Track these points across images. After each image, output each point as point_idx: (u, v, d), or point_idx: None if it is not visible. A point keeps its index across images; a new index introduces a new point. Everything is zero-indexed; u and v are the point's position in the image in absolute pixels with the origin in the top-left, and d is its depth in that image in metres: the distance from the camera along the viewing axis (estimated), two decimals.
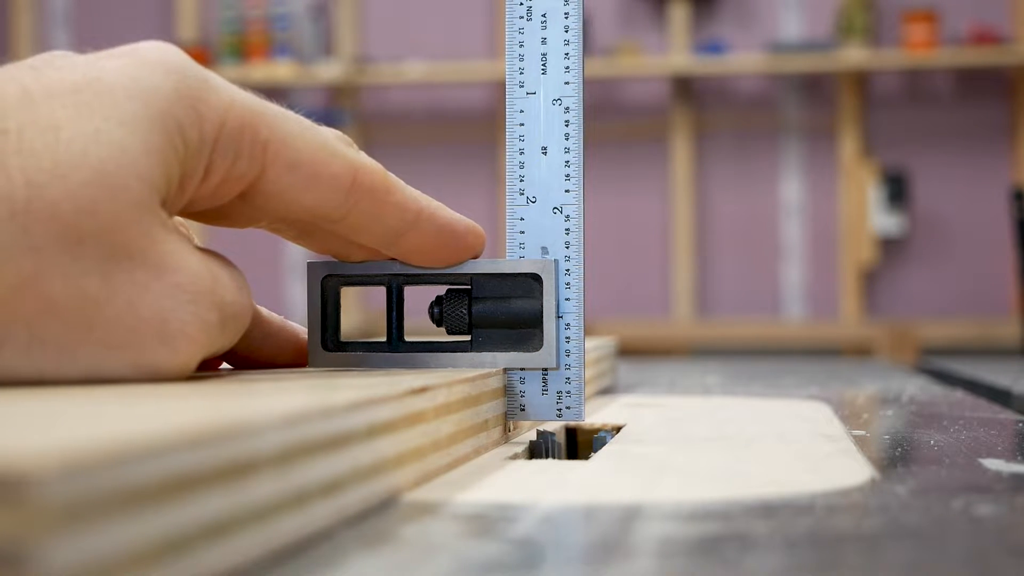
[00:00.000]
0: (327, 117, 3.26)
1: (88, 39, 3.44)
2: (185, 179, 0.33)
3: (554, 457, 0.42)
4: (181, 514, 0.20)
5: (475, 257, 0.40)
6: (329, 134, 0.37)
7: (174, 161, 0.33)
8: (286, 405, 0.25)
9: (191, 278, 0.33)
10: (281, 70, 3.23)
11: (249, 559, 0.22)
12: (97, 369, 0.32)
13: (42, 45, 3.41)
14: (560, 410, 0.40)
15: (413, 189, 0.39)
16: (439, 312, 0.40)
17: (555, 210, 0.40)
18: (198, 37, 3.33)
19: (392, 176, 0.38)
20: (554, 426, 0.45)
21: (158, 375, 0.33)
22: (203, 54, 3.25)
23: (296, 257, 3.27)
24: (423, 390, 0.32)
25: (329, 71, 3.22)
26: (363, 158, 0.37)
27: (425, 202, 0.39)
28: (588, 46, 3.17)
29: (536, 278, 0.40)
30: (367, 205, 0.37)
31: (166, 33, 3.34)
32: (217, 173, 0.34)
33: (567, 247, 0.40)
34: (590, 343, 0.66)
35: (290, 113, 0.36)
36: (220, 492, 0.21)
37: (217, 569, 0.21)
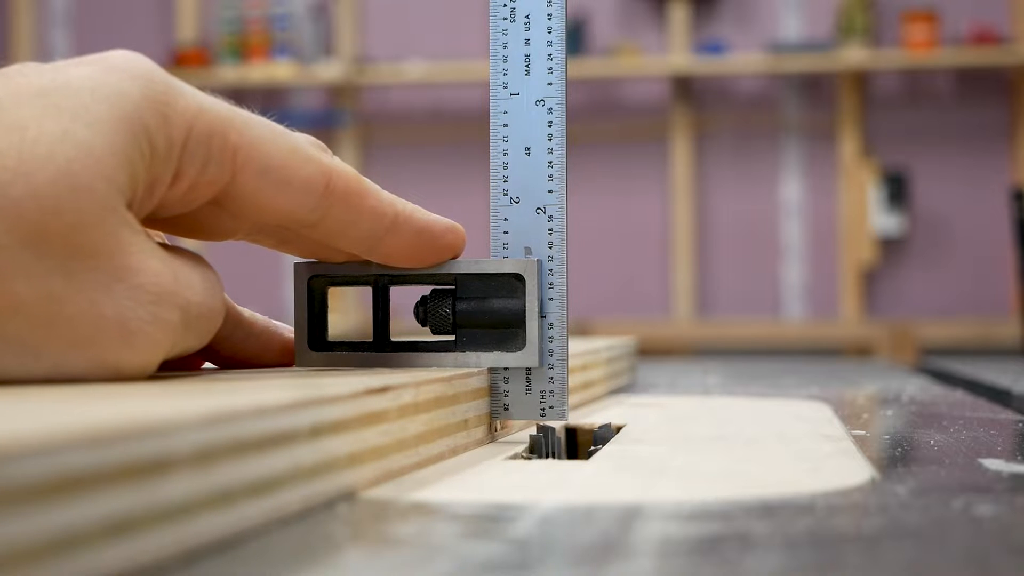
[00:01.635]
0: (327, 117, 3.26)
1: (88, 39, 3.44)
2: (154, 184, 0.34)
3: (554, 451, 0.42)
4: (74, 512, 0.20)
5: (457, 255, 0.40)
6: (302, 139, 0.37)
7: (140, 164, 0.33)
8: (210, 405, 0.25)
9: (153, 279, 0.33)
10: (281, 70, 3.23)
11: (164, 556, 0.22)
12: (60, 368, 0.32)
13: (42, 45, 3.41)
14: (543, 409, 0.41)
15: (389, 193, 0.39)
16: (423, 312, 0.41)
17: (538, 210, 0.40)
18: (198, 37, 3.33)
19: (367, 181, 0.38)
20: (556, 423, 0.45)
21: (120, 374, 0.33)
22: (203, 54, 3.25)
23: (295, 259, 3.26)
24: (384, 390, 0.32)
25: (329, 71, 3.22)
26: (336, 163, 0.37)
27: (401, 206, 0.39)
28: (587, 46, 3.17)
29: (519, 278, 0.40)
30: (341, 210, 0.37)
31: (166, 33, 3.34)
32: (186, 178, 0.34)
33: (550, 247, 0.40)
34: (603, 342, 0.66)
35: (261, 118, 0.36)
36: (122, 490, 0.21)
37: (124, 566, 0.21)
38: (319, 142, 0.38)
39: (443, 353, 0.41)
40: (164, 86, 0.33)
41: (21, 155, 0.31)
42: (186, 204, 0.35)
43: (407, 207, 0.39)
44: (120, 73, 0.33)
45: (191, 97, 0.34)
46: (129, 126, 0.32)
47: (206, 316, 0.35)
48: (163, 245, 0.35)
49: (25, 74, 0.33)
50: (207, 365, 0.43)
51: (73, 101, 0.32)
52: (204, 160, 0.34)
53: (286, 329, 0.43)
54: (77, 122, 0.32)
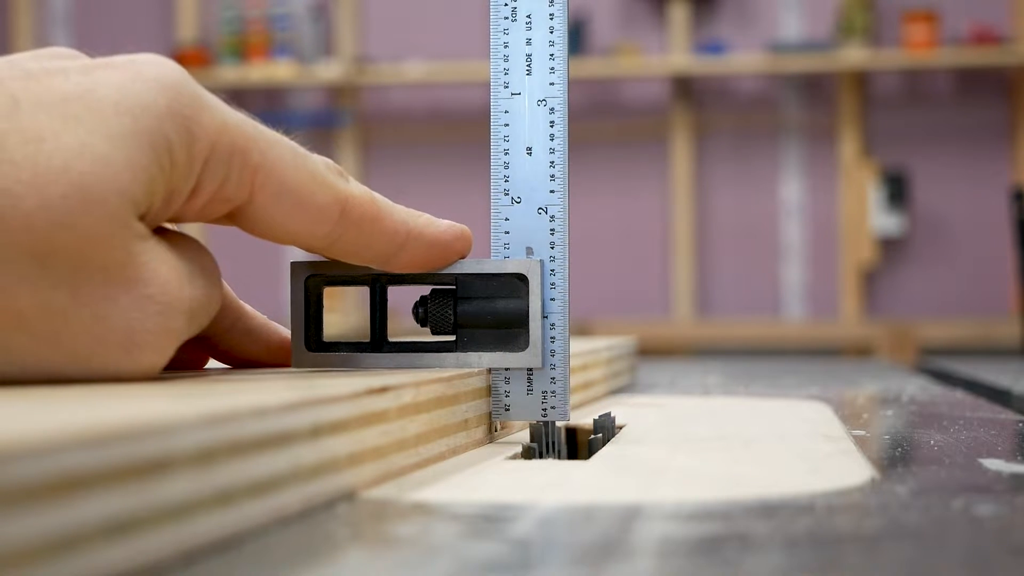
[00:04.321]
0: (327, 117, 3.26)
1: (88, 39, 3.44)
2: (171, 196, 0.33)
3: (555, 442, 0.42)
4: (74, 512, 0.20)
5: (464, 258, 0.40)
6: (320, 164, 0.37)
7: (159, 178, 0.32)
8: (210, 405, 0.25)
9: (161, 289, 0.33)
10: (281, 70, 3.23)
11: (164, 556, 0.22)
12: (62, 377, 0.32)
13: (42, 45, 3.41)
14: (545, 410, 0.41)
15: (401, 209, 0.39)
16: (424, 312, 0.41)
17: (540, 210, 0.40)
18: (198, 37, 3.32)
19: (381, 202, 0.38)
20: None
21: (121, 380, 0.33)
22: (203, 54, 3.25)
23: (297, 258, 3.26)
24: (383, 390, 0.32)
25: (329, 71, 3.22)
26: (353, 188, 0.37)
27: (413, 222, 0.39)
28: (588, 46, 3.17)
29: (522, 278, 0.40)
30: (354, 235, 0.37)
31: (166, 33, 3.34)
32: (204, 193, 0.34)
33: (552, 247, 0.40)
34: (603, 342, 0.66)
35: (283, 139, 0.36)
36: (122, 490, 0.21)
37: (124, 566, 0.21)
38: (337, 166, 0.38)
39: (444, 354, 0.41)
40: (191, 99, 0.33)
41: (36, 167, 0.31)
42: (201, 216, 0.35)
43: (418, 223, 0.39)
44: (148, 83, 0.33)
45: (217, 112, 0.34)
46: (150, 140, 0.32)
47: (207, 308, 0.35)
48: (166, 232, 0.35)
49: (50, 72, 0.32)
50: (210, 364, 0.43)
51: (95, 112, 0.32)
52: (223, 177, 0.34)
53: (284, 329, 0.43)
54: (95, 135, 0.31)
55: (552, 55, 0.41)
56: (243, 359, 0.42)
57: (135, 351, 0.33)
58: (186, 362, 0.42)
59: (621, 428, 0.46)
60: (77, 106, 0.32)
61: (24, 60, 0.33)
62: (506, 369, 0.41)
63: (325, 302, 0.42)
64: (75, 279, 0.31)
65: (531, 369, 0.40)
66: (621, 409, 0.53)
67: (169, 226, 0.37)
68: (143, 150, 0.32)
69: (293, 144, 0.36)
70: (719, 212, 3.22)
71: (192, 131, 0.33)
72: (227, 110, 0.34)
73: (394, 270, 0.40)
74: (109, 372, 0.33)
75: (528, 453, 0.41)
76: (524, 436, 0.42)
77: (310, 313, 0.41)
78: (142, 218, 0.33)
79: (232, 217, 0.36)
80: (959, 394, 0.66)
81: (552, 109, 0.41)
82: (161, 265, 0.33)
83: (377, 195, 0.38)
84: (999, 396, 0.65)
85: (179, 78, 0.33)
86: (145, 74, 0.33)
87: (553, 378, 0.41)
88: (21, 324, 0.31)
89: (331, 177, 0.37)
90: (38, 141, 0.31)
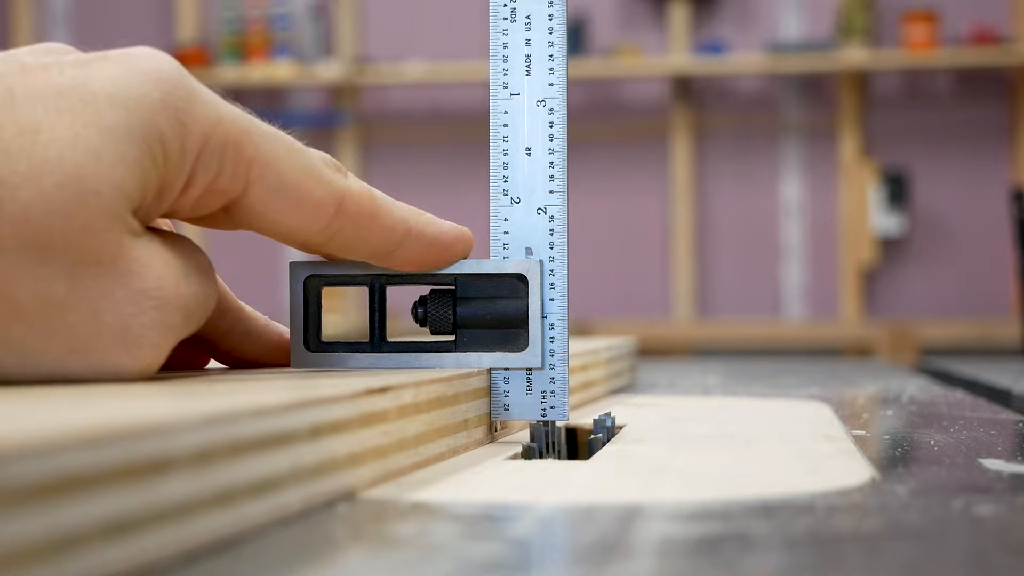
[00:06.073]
0: (327, 117, 3.26)
1: (88, 39, 3.44)
2: (165, 189, 0.33)
3: (555, 440, 0.42)
4: (74, 512, 0.20)
5: (463, 258, 0.41)
6: (317, 158, 0.37)
7: (152, 171, 0.32)
8: (210, 405, 0.25)
9: (156, 283, 0.33)
10: (281, 70, 3.23)
11: (164, 556, 0.22)
12: (59, 372, 0.32)
13: None
14: (544, 409, 0.41)
15: (402, 206, 0.39)
16: (423, 312, 0.41)
17: (539, 211, 0.41)
18: (198, 37, 3.32)
19: (379, 198, 0.38)
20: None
21: (120, 378, 0.33)
22: (203, 54, 3.25)
23: (296, 258, 3.26)
24: (383, 390, 0.32)
25: (329, 71, 3.22)
26: (350, 184, 0.37)
27: (413, 220, 0.39)
28: (587, 46, 3.17)
29: (521, 278, 0.40)
30: (352, 231, 0.37)
31: (166, 33, 3.34)
32: (198, 186, 0.34)
33: (551, 248, 0.40)
34: (603, 342, 0.66)
35: (279, 133, 0.36)
36: (122, 490, 0.21)
37: (124, 566, 0.21)
38: (334, 161, 0.38)
39: (443, 354, 0.41)
40: (185, 92, 0.33)
41: (32, 159, 0.31)
42: (196, 210, 0.35)
43: (419, 220, 0.39)
44: (143, 76, 0.33)
45: (211, 105, 0.34)
46: (143, 133, 0.32)
47: (203, 306, 0.35)
48: (161, 232, 0.35)
49: (45, 65, 0.32)
50: (211, 364, 0.43)
51: (89, 105, 0.32)
52: (217, 170, 0.34)
53: (284, 329, 0.43)
54: (90, 128, 0.31)
55: (551, 56, 0.41)
56: (244, 360, 0.42)
57: (132, 346, 0.33)
58: (187, 363, 0.42)
59: (621, 428, 0.46)
60: (71, 98, 0.32)
61: (20, 54, 0.33)
62: (505, 369, 0.41)
63: (324, 302, 0.42)
64: (72, 271, 0.31)
65: (530, 369, 0.41)
66: (621, 409, 0.53)
67: (164, 225, 0.37)
68: (136, 143, 0.32)
69: (290, 138, 0.36)
70: (719, 212, 3.22)
71: (185, 123, 0.33)
72: (222, 103, 0.34)
73: (392, 267, 0.40)
74: (106, 368, 0.33)
75: (528, 453, 0.41)
76: (524, 436, 0.42)
77: (309, 313, 0.41)
78: (135, 213, 0.33)
79: (227, 212, 0.36)
80: (959, 394, 0.66)
81: (551, 109, 0.41)
82: (156, 261, 0.33)
83: (376, 191, 0.38)
84: (999, 396, 0.65)
85: (173, 71, 0.33)
86: (139, 67, 0.33)
87: (552, 378, 0.41)
88: (20, 315, 0.31)
89: (328, 172, 0.37)
90: (34, 133, 0.31)
